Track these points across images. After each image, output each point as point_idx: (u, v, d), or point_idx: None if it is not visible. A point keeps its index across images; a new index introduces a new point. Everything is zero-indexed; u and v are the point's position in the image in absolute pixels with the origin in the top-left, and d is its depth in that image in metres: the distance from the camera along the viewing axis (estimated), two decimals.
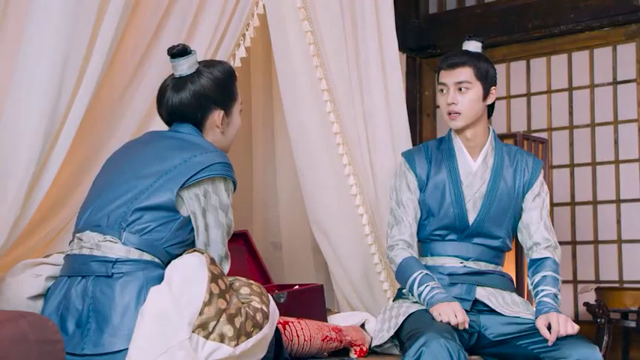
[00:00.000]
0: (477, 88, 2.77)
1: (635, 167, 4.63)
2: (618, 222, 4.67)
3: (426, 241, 2.83)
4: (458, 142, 2.83)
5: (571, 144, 4.84)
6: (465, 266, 2.74)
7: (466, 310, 2.62)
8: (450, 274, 2.73)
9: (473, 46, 2.85)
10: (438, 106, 5.43)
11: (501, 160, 2.81)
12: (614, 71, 4.73)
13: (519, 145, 4.03)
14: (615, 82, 4.73)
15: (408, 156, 2.88)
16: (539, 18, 4.88)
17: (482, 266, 2.76)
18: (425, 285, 2.60)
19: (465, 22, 5.19)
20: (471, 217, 2.76)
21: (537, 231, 2.78)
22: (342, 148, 3.12)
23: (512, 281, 2.86)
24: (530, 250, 2.78)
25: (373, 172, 3.25)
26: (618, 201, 4.67)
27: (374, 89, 3.26)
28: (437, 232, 2.79)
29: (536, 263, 2.74)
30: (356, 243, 3.16)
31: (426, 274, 2.64)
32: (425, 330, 2.40)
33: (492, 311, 2.68)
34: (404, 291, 2.77)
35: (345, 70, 3.12)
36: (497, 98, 5.21)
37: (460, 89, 2.76)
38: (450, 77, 2.78)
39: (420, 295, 2.60)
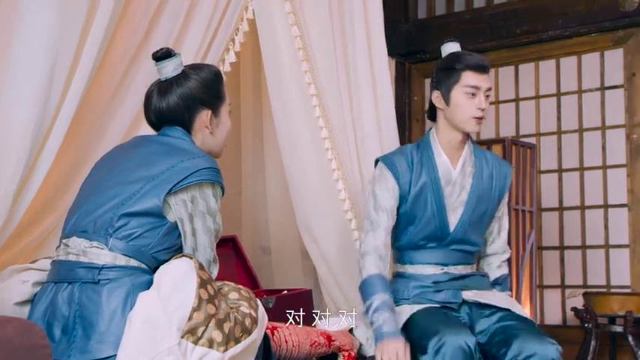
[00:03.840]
0: None
1: (622, 172, 4.64)
2: (606, 227, 4.68)
3: (404, 249, 2.80)
4: (437, 148, 2.77)
5: (559, 149, 4.86)
6: (446, 272, 2.74)
7: (454, 309, 2.65)
8: (434, 282, 2.72)
9: (456, 47, 2.80)
10: (427, 111, 5.45)
11: (480, 166, 2.79)
12: (602, 77, 4.76)
13: (508, 150, 4.04)
14: (603, 88, 4.75)
15: (389, 163, 2.76)
16: (527, 24, 4.90)
17: (462, 269, 2.77)
18: (379, 313, 2.55)
19: (454, 28, 5.20)
20: (452, 226, 2.75)
21: (499, 238, 2.88)
22: (331, 152, 3.12)
23: (489, 279, 2.90)
24: (491, 257, 2.89)
25: (362, 176, 3.25)
26: (606, 206, 4.69)
27: (363, 94, 3.27)
28: (417, 242, 2.77)
29: (497, 281, 2.87)
30: (344, 247, 3.16)
31: (384, 302, 2.57)
32: (439, 327, 2.43)
33: (480, 305, 2.70)
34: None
35: (334, 75, 3.13)
36: None
37: (487, 96, 2.72)
38: (483, 81, 2.70)
39: (372, 323, 2.58)
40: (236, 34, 2.95)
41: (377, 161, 2.83)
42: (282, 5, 2.96)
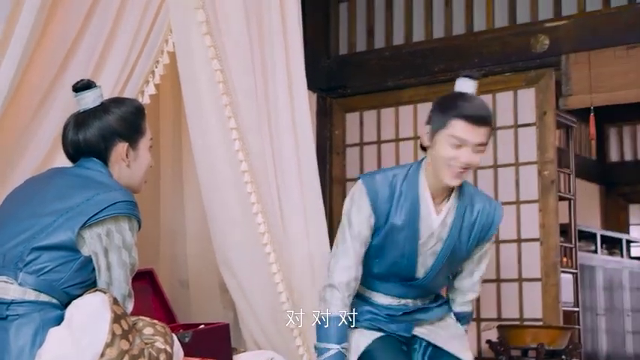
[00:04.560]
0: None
1: (534, 208, 4.79)
2: (519, 261, 4.81)
3: (365, 275, 2.65)
4: (424, 189, 2.56)
5: (475, 184, 4.98)
6: (403, 304, 2.67)
7: (407, 337, 2.64)
8: (388, 315, 2.65)
9: (468, 86, 2.53)
10: (349, 145, 5.55)
11: (461, 216, 2.59)
12: (515, 115, 4.92)
13: None
14: (516, 126, 4.92)
15: (370, 188, 2.54)
16: (444, 62, 5.04)
17: (419, 302, 2.71)
18: None
19: (375, 64, 5.32)
20: (420, 272, 2.63)
21: (470, 278, 2.77)
22: (251, 185, 3.11)
23: (447, 302, 2.82)
24: (456, 291, 2.79)
25: (281, 209, 3.25)
26: (519, 240, 4.82)
27: (283, 128, 3.28)
28: (381, 274, 2.65)
29: (461, 315, 2.80)
30: (263, 281, 3.15)
31: (339, 352, 2.50)
32: None
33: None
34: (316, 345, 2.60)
35: (255, 108, 3.14)
36: (404, 139, 5.38)
37: (479, 150, 2.46)
38: (473, 135, 2.43)
39: None
40: (156, 67, 2.94)
41: (358, 178, 2.62)
42: (203, 39, 2.96)
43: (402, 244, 2.58)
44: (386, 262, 2.61)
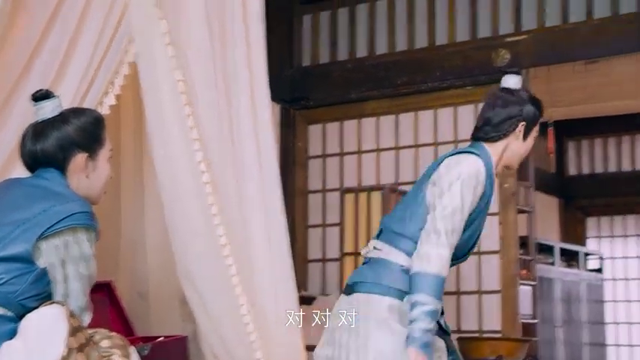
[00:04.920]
0: None
1: (495, 220, 4.84)
2: (478, 273, 4.85)
3: None
4: (494, 169, 2.64)
5: None
6: None
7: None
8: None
9: (519, 82, 2.69)
10: (311, 157, 5.55)
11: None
12: None
13: (386, 197, 4.14)
14: None
15: (487, 167, 2.57)
16: (407, 75, 5.08)
17: None
18: (432, 321, 2.41)
19: (338, 76, 5.34)
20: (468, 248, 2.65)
21: None
22: (212, 197, 3.10)
23: None
24: None
25: (243, 221, 3.24)
26: (479, 253, 4.86)
27: (245, 139, 3.28)
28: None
29: None
30: (223, 293, 3.13)
31: (437, 310, 2.43)
32: None
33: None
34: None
35: (217, 119, 3.13)
36: (367, 151, 5.40)
37: None
38: None
39: (419, 319, 2.40)
40: (116, 77, 2.92)
41: (459, 152, 2.62)
42: (165, 49, 2.95)
43: (478, 222, 2.58)
44: (459, 247, 2.54)
